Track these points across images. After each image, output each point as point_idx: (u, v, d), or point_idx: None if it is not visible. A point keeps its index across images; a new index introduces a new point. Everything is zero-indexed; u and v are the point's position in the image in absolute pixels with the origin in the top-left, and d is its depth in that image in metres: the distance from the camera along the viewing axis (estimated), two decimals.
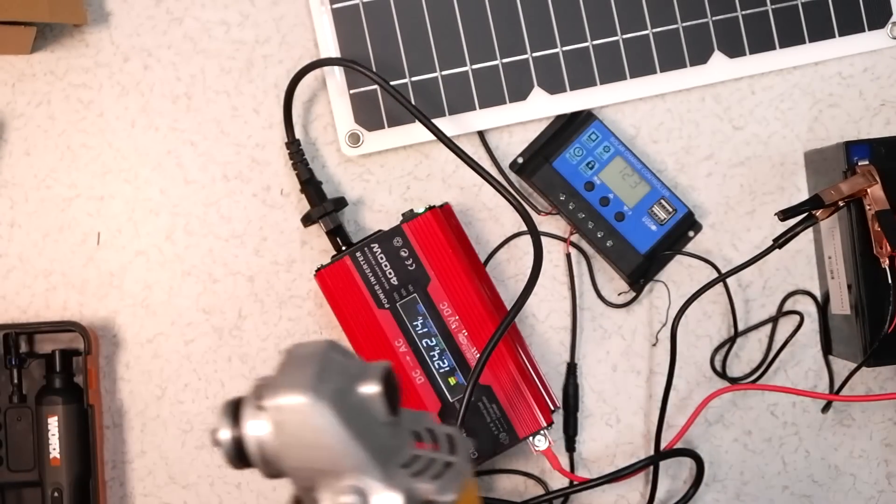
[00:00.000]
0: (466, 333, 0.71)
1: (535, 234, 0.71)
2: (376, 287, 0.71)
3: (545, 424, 0.71)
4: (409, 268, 0.71)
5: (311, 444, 0.44)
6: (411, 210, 0.73)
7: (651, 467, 0.75)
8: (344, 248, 0.73)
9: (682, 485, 0.77)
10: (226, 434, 0.46)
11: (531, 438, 0.71)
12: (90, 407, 0.73)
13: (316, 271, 0.72)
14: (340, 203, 0.74)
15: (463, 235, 0.75)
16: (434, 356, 0.71)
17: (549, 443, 0.71)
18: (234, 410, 0.46)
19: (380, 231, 0.72)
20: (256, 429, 0.45)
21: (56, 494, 0.72)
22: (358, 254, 0.71)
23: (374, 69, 0.75)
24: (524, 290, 0.70)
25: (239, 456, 0.46)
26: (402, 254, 0.71)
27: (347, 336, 0.72)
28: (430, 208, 0.72)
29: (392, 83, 0.74)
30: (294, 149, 0.74)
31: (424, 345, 0.71)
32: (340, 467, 0.45)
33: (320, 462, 0.45)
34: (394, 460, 0.46)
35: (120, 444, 0.76)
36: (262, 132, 0.76)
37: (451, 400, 0.71)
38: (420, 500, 0.45)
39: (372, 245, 0.71)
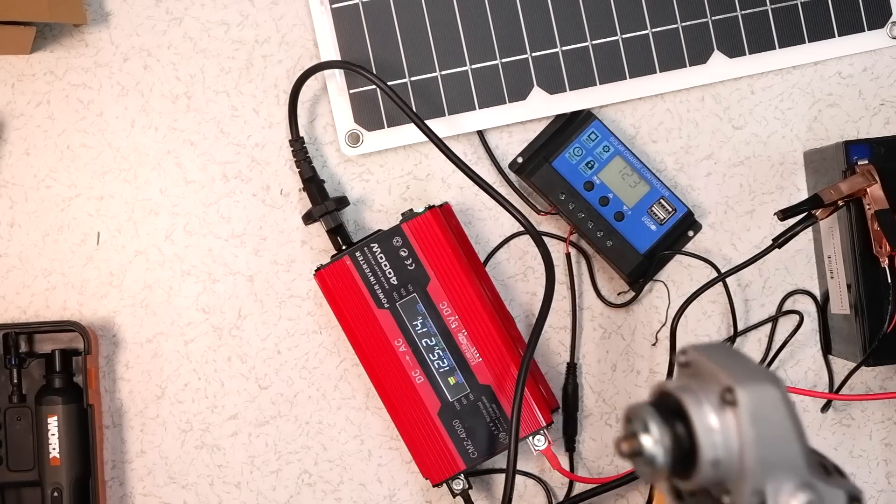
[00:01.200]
0: (466, 333, 0.71)
1: (543, 246, 0.70)
2: (376, 287, 0.71)
3: (545, 424, 0.71)
4: (409, 267, 0.71)
5: (777, 436, 0.43)
6: (411, 210, 0.73)
7: None
8: (344, 247, 0.73)
9: None
10: (663, 435, 0.43)
11: (531, 438, 0.71)
12: (90, 407, 0.73)
13: (315, 271, 0.72)
14: (342, 202, 0.74)
15: (462, 235, 0.75)
16: (434, 356, 0.71)
17: (549, 442, 0.71)
18: (669, 410, 0.44)
19: (379, 231, 0.72)
20: (720, 425, 0.43)
21: (56, 494, 0.72)
22: (357, 253, 0.71)
23: (374, 69, 0.75)
24: (541, 312, 0.70)
25: (682, 460, 0.43)
26: (402, 253, 0.71)
27: (347, 336, 0.72)
28: (430, 208, 0.72)
29: (392, 83, 0.74)
30: (298, 146, 0.74)
31: (424, 344, 0.71)
32: (791, 464, 0.44)
33: (773, 458, 0.43)
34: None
35: (120, 444, 0.76)
36: (261, 132, 0.76)
37: (450, 399, 0.71)
38: (853, 498, 0.45)
39: (371, 245, 0.71)
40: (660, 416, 0.43)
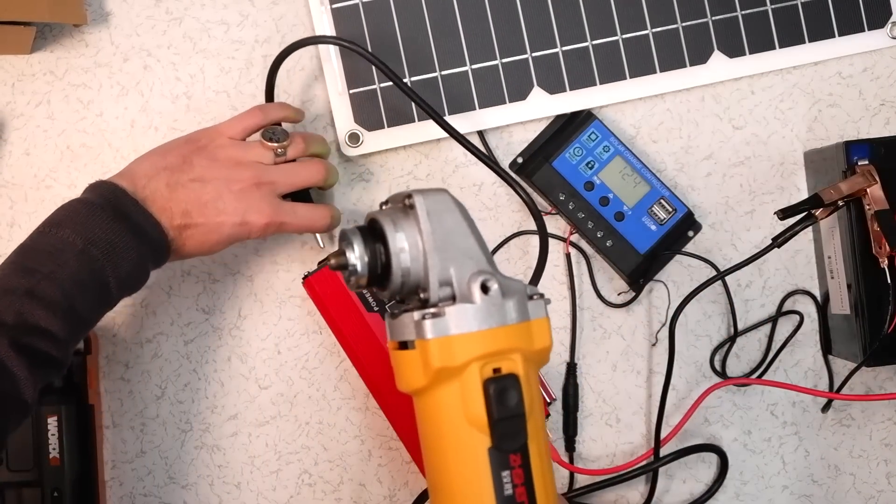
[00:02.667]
0: None
1: (540, 220, 0.70)
2: (364, 291, 0.71)
3: None
4: None
5: (451, 229, 0.53)
6: None
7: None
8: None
9: (683, 483, 0.77)
10: (359, 248, 0.53)
11: None
12: (90, 407, 0.73)
13: (303, 278, 0.72)
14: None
15: None
16: None
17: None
18: (372, 233, 0.53)
19: None
20: (407, 229, 0.52)
21: (56, 494, 0.72)
22: None
23: (374, 69, 0.75)
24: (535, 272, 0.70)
25: (377, 267, 0.53)
26: None
27: (339, 340, 0.72)
28: None
29: (392, 83, 0.74)
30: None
31: None
32: (469, 254, 0.53)
33: (451, 249, 0.52)
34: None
35: (120, 444, 0.76)
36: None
37: None
38: (530, 294, 0.54)
39: None
40: (361, 237, 0.53)
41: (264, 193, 0.65)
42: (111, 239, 0.60)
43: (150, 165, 0.64)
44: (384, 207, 0.55)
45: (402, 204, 0.53)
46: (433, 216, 0.52)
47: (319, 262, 0.72)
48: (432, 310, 0.51)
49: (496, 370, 0.51)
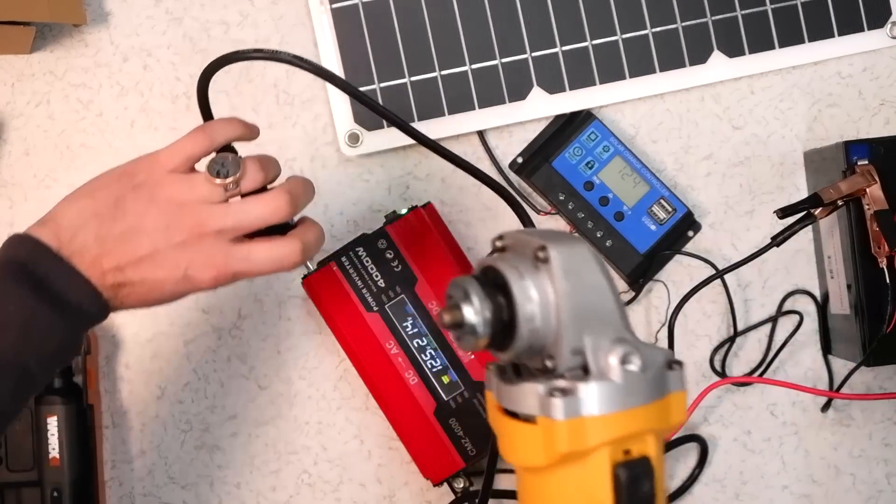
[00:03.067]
0: None
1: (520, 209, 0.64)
2: (364, 291, 0.71)
3: None
4: (396, 269, 0.71)
5: (589, 289, 0.45)
6: (394, 211, 0.73)
7: None
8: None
9: (671, 480, 0.77)
10: (484, 306, 0.45)
11: None
12: (89, 407, 0.73)
13: (303, 278, 0.72)
14: None
15: (447, 233, 0.75)
16: (426, 356, 0.71)
17: None
18: (490, 283, 0.45)
19: (363, 234, 0.72)
20: (537, 290, 0.45)
21: (56, 494, 0.72)
22: (343, 258, 0.71)
23: (374, 69, 0.75)
24: None
25: (502, 325, 0.45)
26: (388, 255, 0.71)
27: (338, 340, 0.72)
28: (413, 208, 0.72)
29: (392, 83, 0.74)
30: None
31: (416, 345, 0.71)
32: (606, 319, 0.45)
33: (587, 313, 0.45)
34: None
35: (120, 444, 0.76)
36: (261, 132, 0.76)
37: (445, 398, 0.71)
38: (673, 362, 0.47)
39: (356, 248, 0.71)
40: (481, 287, 0.45)
41: (211, 242, 0.54)
42: (26, 318, 0.51)
43: (78, 212, 0.55)
44: (499, 251, 0.48)
45: (533, 256, 0.45)
46: (571, 275, 0.45)
47: (319, 262, 0.72)
48: (562, 384, 0.44)
49: (626, 451, 0.45)
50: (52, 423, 0.72)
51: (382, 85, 0.75)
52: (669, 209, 0.75)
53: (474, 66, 0.76)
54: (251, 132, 0.59)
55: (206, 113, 0.61)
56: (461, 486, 0.71)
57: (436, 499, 0.76)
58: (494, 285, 0.46)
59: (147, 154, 0.57)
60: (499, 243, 0.47)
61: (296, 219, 0.58)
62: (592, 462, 0.45)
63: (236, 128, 0.58)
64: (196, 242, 0.54)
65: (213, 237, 0.54)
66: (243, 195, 0.55)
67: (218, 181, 0.55)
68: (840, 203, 0.70)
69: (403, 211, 0.72)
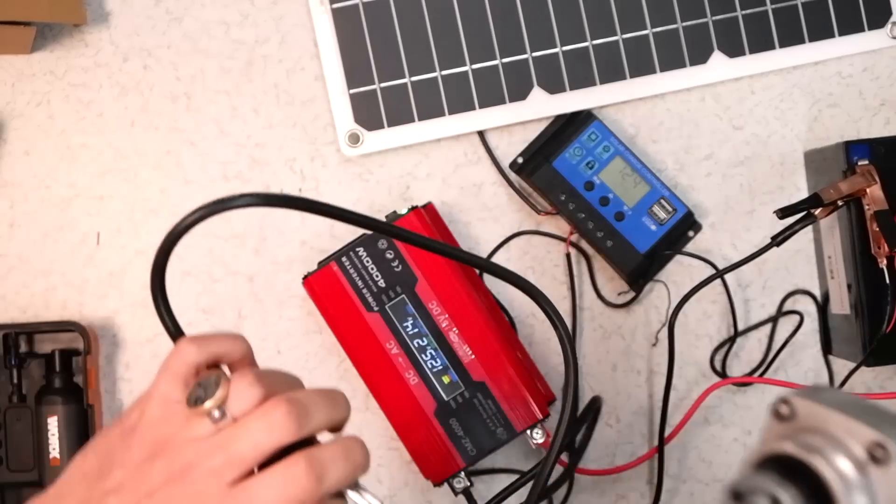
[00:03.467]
0: (457, 331, 0.71)
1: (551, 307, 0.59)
2: (364, 291, 0.71)
3: (541, 417, 0.71)
4: (396, 269, 0.71)
5: None
6: (394, 212, 0.73)
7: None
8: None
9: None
10: None
11: (528, 431, 0.71)
12: (90, 407, 0.73)
13: (303, 278, 0.72)
14: None
15: (447, 233, 0.75)
16: (426, 356, 0.71)
17: (547, 435, 0.71)
18: (794, 478, 0.34)
19: (364, 234, 0.72)
20: (868, 492, 0.34)
21: None
22: (344, 258, 0.71)
23: (374, 69, 0.75)
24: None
25: None
26: (388, 256, 0.71)
27: (339, 341, 0.72)
28: (414, 209, 0.72)
29: (392, 83, 0.74)
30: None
31: (416, 345, 0.71)
32: None
33: None
34: None
35: None
36: (261, 132, 0.76)
37: (445, 399, 0.71)
38: None
39: (357, 249, 0.71)
40: (793, 486, 0.34)
41: (201, 489, 0.44)
42: None
43: (72, 474, 0.48)
44: (784, 420, 0.37)
45: (866, 454, 0.35)
46: None
47: (319, 262, 0.72)
48: None
49: None
50: (53, 423, 0.72)
51: (383, 85, 0.75)
52: (670, 209, 0.75)
53: (475, 67, 0.76)
54: (240, 346, 0.49)
55: (171, 326, 0.53)
56: (461, 485, 0.71)
57: (437, 499, 0.76)
58: (804, 484, 0.35)
59: (144, 392, 0.50)
60: (784, 409, 0.38)
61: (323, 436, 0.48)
62: None
63: (222, 343, 0.49)
64: (181, 495, 0.45)
65: (203, 483, 0.44)
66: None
67: (197, 410, 0.45)
68: (840, 203, 0.70)
69: (403, 211, 0.72)
